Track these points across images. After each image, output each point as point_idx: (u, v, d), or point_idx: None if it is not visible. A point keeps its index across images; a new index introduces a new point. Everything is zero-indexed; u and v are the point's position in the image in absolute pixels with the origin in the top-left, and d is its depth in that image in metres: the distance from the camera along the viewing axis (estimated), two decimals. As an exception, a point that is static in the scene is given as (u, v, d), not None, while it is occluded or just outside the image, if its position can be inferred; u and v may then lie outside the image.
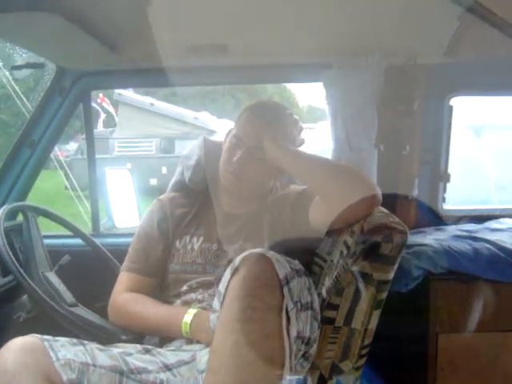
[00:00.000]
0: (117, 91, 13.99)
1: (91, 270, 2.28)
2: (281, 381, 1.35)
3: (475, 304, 2.20)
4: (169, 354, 1.72)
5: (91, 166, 2.77)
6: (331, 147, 2.51)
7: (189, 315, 1.78)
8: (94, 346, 1.59)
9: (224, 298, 1.44)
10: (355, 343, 1.67)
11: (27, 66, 2.40)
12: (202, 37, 2.13)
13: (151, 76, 2.63)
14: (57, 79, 2.52)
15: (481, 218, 2.70)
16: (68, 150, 14.32)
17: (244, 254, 1.47)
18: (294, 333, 1.43)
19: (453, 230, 2.52)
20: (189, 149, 2.26)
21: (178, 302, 1.92)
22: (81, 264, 2.22)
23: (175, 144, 13.98)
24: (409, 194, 2.52)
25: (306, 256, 1.83)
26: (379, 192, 1.71)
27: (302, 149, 2.00)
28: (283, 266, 1.45)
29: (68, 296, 1.97)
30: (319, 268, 1.85)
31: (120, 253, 2.15)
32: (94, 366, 1.50)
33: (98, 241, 2.43)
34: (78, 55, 2.33)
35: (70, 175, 7.64)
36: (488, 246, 2.24)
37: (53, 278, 2.03)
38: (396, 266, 1.64)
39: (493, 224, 2.61)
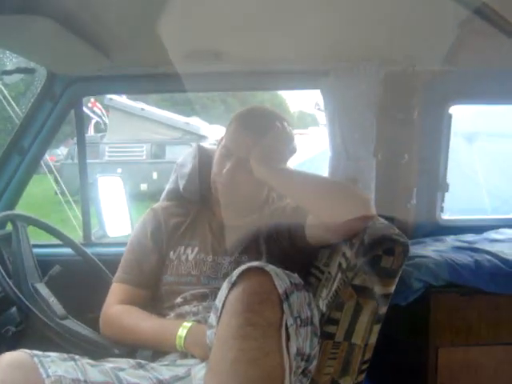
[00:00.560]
0: (108, 96, 14.01)
1: (82, 280, 2.24)
2: None
3: (476, 317, 2.17)
4: (163, 369, 1.67)
5: (82, 173, 2.72)
6: (322, 153, 2.48)
7: (183, 329, 1.73)
8: (85, 362, 1.55)
9: (221, 313, 1.39)
10: (355, 359, 1.64)
11: (17, 71, 2.36)
12: (197, 43, 2.09)
13: (144, 82, 2.59)
14: (48, 85, 2.47)
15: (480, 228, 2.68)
16: (58, 154, 14.31)
17: (242, 268, 1.42)
18: (293, 349, 1.39)
19: (452, 240, 2.50)
20: (183, 156, 2.23)
21: (172, 314, 1.88)
22: (72, 275, 2.16)
23: (166, 149, 14.03)
24: (407, 203, 2.48)
25: (303, 267, 1.80)
26: (372, 207, 1.67)
27: (299, 160, 1.97)
28: (283, 280, 1.40)
29: (58, 308, 1.93)
30: (316, 279, 1.83)
31: (112, 263, 2.11)
32: (86, 382, 1.47)
33: (89, 250, 2.38)
34: (70, 60, 2.28)
35: (60, 180, 7.59)
36: (489, 257, 2.21)
37: (43, 289, 1.98)
38: (397, 279, 1.61)
39: (492, 234, 2.59)
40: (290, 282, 1.42)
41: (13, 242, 2.08)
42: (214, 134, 14.53)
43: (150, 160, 13.97)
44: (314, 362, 1.52)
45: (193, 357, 1.71)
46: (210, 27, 1.90)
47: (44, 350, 1.51)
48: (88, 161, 2.78)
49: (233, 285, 1.39)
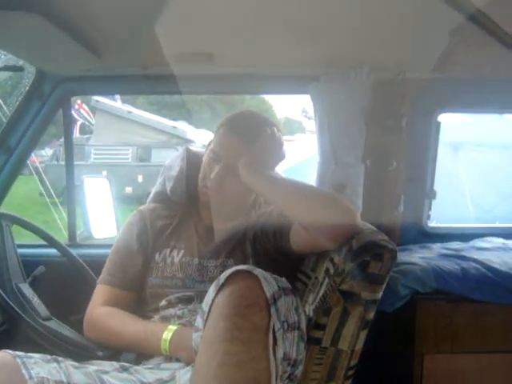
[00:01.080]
0: (94, 98, 13.99)
1: (67, 281, 2.22)
2: None
3: (462, 325, 2.17)
4: (147, 373, 1.66)
5: (69, 174, 2.70)
6: (309, 159, 2.47)
7: (168, 332, 1.72)
8: (68, 364, 1.54)
9: (208, 316, 1.38)
10: (342, 364, 1.63)
11: (5, 68, 2.34)
12: (187, 45, 2.08)
13: (134, 83, 2.58)
14: (36, 83, 2.45)
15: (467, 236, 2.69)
16: (43, 155, 14.23)
17: (230, 271, 1.41)
18: (280, 354, 1.38)
19: (439, 248, 2.50)
20: (171, 159, 2.22)
21: (157, 317, 1.87)
22: (56, 275, 2.15)
23: (152, 153, 14.01)
24: (395, 210, 2.48)
25: (290, 271, 1.79)
26: (358, 218, 1.65)
27: (286, 166, 1.96)
28: (270, 284, 1.39)
29: (42, 309, 1.91)
30: (302, 284, 1.82)
31: (97, 264, 2.09)
32: (69, 384, 1.44)
33: (74, 251, 2.36)
34: (60, 59, 2.26)
35: (46, 181, 7.54)
36: (476, 265, 2.21)
37: (26, 289, 1.96)
38: (384, 285, 1.60)
39: (478, 243, 2.60)
40: (278, 286, 1.41)
41: None
42: (200, 138, 14.56)
43: (136, 163, 13.94)
44: (301, 367, 1.51)
45: (177, 360, 1.70)
46: (201, 29, 1.90)
47: (27, 351, 1.50)
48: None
49: (220, 288, 1.38)
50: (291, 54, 2.22)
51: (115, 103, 14.80)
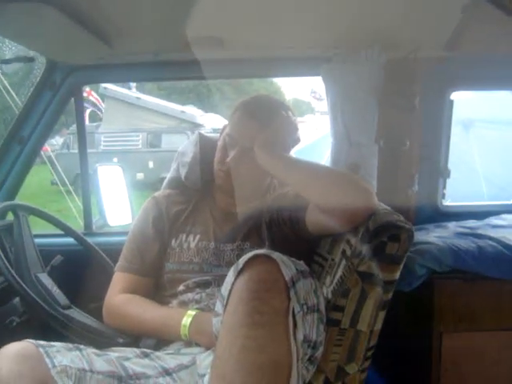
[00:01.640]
0: (103, 85, 13.97)
1: (84, 270, 2.23)
2: None
3: (479, 303, 2.17)
4: (168, 358, 1.68)
5: (83, 163, 2.71)
6: (319, 141, 2.47)
7: (188, 317, 1.73)
8: (90, 351, 1.56)
9: (228, 300, 1.39)
10: (361, 345, 1.63)
11: (17, 59, 2.34)
12: (198, 30, 2.07)
13: (145, 70, 2.57)
14: (47, 73, 2.45)
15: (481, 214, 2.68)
16: (53, 144, 14.24)
17: (248, 256, 1.41)
18: (300, 336, 1.38)
19: (454, 226, 2.49)
20: (184, 145, 2.22)
21: (175, 302, 1.88)
22: (73, 264, 2.16)
23: (162, 138, 13.97)
24: (409, 189, 2.48)
25: (306, 254, 1.78)
26: (374, 199, 1.65)
27: (297, 148, 1.96)
28: (289, 267, 1.40)
29: (61, 298, 1.92)
30: (319, 267, 1.81)
31: (114, 252, 2.11)
32: (92, 371, 1.47)
33: (90, 240, 2.38)
34: (70, 48, 2.26)
35: (60, 170, 7.55)
36: (492, 243, 2.21)
37: (45, 279, 1.98)
38: (402, 266, 1.60)
39: (493, 220, 2.59)
40: (296, 269, 1.42)
41: (14, 233, 2.08)
42: (209, 122, 14.53)
43: (146, 149, 13.92)
44: (321, 349, 1.51)
45: (197, 345, 1.71)
46: (212, 14, 1.88)
47: (48, 340, 1.51)
48: (83, 151, 2.77)
49: (239, 272, 1.39)
50: (302, 36, 2.21)
51: (124, 90, 14.78)
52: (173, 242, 1.98)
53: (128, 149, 13.80)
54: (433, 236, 2.31)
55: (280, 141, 1.85)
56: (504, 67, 2.47)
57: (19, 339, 1.46)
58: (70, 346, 1.54)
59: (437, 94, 2.54)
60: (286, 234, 1.86)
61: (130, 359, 1.61)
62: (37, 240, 2.12)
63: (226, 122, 2.05)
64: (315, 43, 2.30)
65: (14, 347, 1.41)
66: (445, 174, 2.69)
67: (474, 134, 5.71)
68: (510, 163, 5.47)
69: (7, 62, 2.38)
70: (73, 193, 7.41)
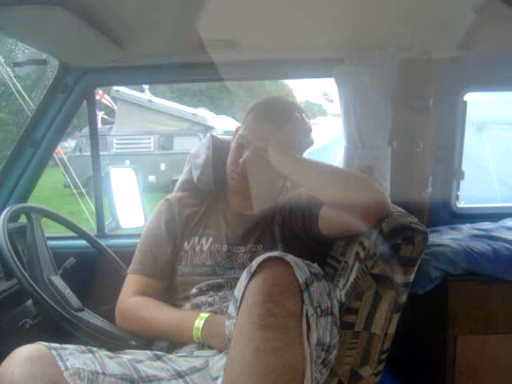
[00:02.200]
0: (114, 88, 14.03)
1: (97, 272, 2.23)
2: None
3: (494, 305, 2.16)
4: (180, 361, 1.67)
5: (95, 165, 2.71)
6: (331, 142, 2.46)
7: (200, 320, 1.73)
8: (103, 354, 1.55)
9: (241, 303, 1.38)
10: (375, 348, 1.62)
11: (30, 62, 2.35)
12: (210, 32, 2.07)
13: (158, 72, 2.57)
14: (60, 76, 2.46)
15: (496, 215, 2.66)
16: (66, 147, 14.31)
17: (261, 258, 1.41)
18: (314, 339, 1.38)
19: (468, 229, 2.48)
20: (196, 147, 2.22)
21: (188, 305, 1.88)
22: (86, 267, 2.17)
23: (174, 140, 14.02)
24: (423, 191, 2.46)
25: (319, 256, 1.78)
26: (388, 201, 1.64)
27: (309, 151, 1.95)
28: (302, 270, 1.39)
29: (74, 300, 1.92)
30: (332, 269, 1.81)
31: (126, 254, 2.11)
32: (104, 374, 1.46)
33: (103, 242, 2.38)
34: (83, 51, 2.27)
35: (72, 172, 7.58)
36: (507, 245, 2.19)
37: (58, 281, 1.97)
38: (416, 268, 1.59)
39: (508, 222, 2.57)
40: (310, 271, 1.41)
41: (27, 235, 2.08)
42: (221, 124, 14.56)
43: (158, 151, 13.98)
44: (334, 352, 1.50)
45: (210, 348, 1.71)
46: (224, 15, 1.88)
47: (61, 343, 1.51)
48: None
49: (252, 275, 1.38)
50: (314, 37, 2.20)
51: (136, 93, 14.84)
52: (185, 244, 1.97)
53: (140, 151, 13.88)
54: (447, 238, 2.29)
55: (293, 142, 1.85)
56: None
57: (32, 341, 1.45)
58: (83, 348, 1.54)
59: (450, 95, 2.53)
60: (299, 236, 1.85)
61: (143, 362, 1.60)
62: (50, 242, 2.13)
63: (237, 124, 2.05)
64: (328, 44, 2.29)
65: (27, 349, 1.41)
66: (458, 175, 2.67)
67: (487, 135, 5.71)
68: (523, 164, 5.45)
69: (20, 64, 2.39)
70: (85, 195, 7.44)
